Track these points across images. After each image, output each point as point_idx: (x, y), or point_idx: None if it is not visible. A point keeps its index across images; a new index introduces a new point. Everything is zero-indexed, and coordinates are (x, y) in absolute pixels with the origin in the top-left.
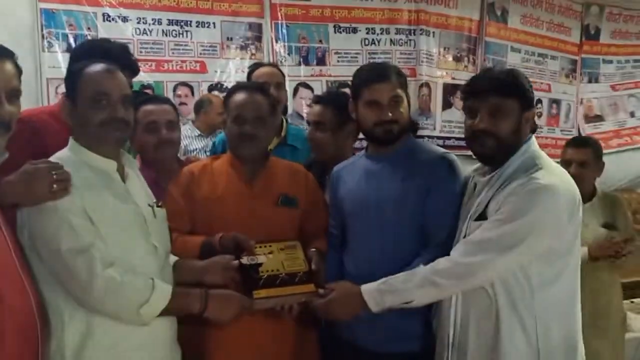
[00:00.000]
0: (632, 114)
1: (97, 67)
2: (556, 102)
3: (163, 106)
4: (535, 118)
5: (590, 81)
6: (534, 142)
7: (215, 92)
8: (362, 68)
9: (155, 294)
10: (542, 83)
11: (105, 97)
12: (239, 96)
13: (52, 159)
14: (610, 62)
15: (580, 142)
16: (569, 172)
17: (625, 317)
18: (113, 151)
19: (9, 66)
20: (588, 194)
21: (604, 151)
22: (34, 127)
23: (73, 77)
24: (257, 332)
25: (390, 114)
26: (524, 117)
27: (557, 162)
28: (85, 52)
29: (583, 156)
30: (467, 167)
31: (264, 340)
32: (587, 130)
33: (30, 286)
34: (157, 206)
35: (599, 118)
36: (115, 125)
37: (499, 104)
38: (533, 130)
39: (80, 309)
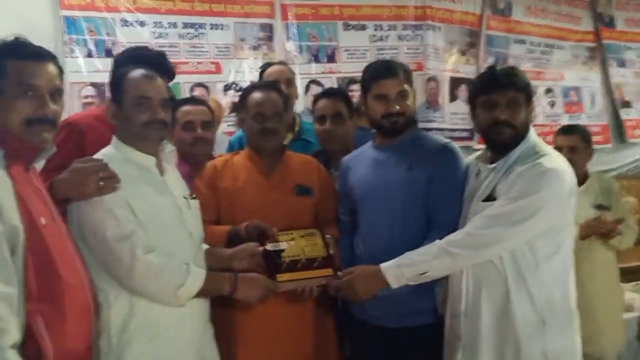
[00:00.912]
0: None
1: (140, 73)
2: (575, 89)
3: (199, 107)
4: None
5: (619, 66)
6: (533, 132)
7: (231, 92)
8: (371, 64)
9: (190, 277)
10: (550, 72)
11: (147, 100)
12: (256, 95)
13: (97, 155)
14: (630, 48)
15: (568, 129)
16: None
17: (622, 296)
18: (153, 148)
19: (51, 67)
20: (580, 178)
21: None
22: (81, 130)
23: (118, 82)
24: (278, 317)
25: (397, 107)
26: (529, 109)
27: None
28: (127, 59)
29: (571, 142)
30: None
31: (285, 323)
32: (623, 115)
33: (83, 269)
34: (192, 198)
35: (627, 104)
36: (156, 126)
37: (516, 97)
38: (531, 121)
39: (124, 291)
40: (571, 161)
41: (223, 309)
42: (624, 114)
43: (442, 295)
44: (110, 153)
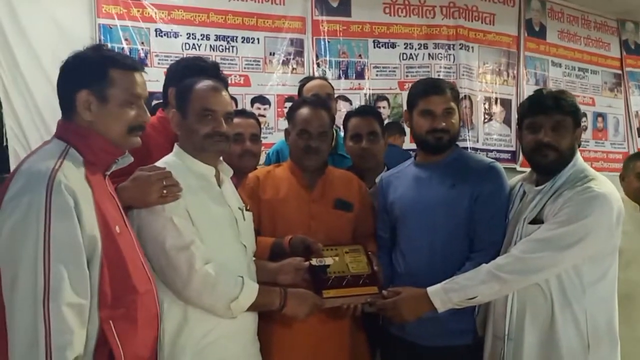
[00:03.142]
0: None
1: (206, 85)
2: (602, 115)
3: (249, 120)
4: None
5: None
6: (580, 156)
7: (257, 105)
8: (419, 81)
9: (245, 290)
10: (584, 97)
11: (212, 113)
12: (304, 111)
13: (159, 163)
14: None
15: None
16: (637, 184)
17: None
18: (213, 159)
19: (139, 78)
20: None
21: None
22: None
23: (184, 92)
24: (314, 332)
25: (443, 124)
26: (576, 133)
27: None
28: (182, 69)
29: None
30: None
31: (321, 338)
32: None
33: (151, 275)
34: (246, 209)
35: None
36: (218, 139)
37: (562, 120)
38: (578, 145)
39: (178, 300)
40: None
41: (260, 321)
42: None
43: (482, 317)
44: (172, 161)
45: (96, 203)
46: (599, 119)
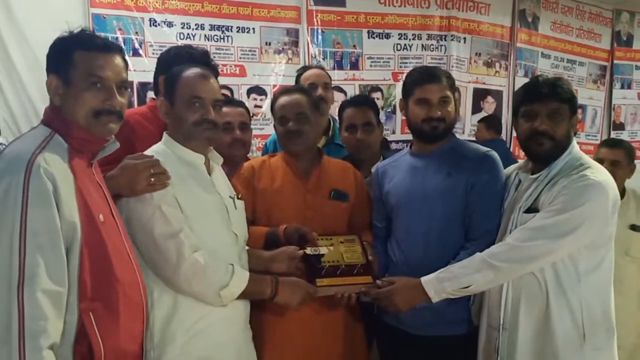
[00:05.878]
0: None
1: (194, 72)
2: (581, 107)
3: (238, 109)
4: None
5: (622, 87)
6: (575, 144)
7: (254, 95)
8: (415, 69)
9: (234, 278)
10: None
11: (199, 100)
12: (280, 100)
13: (148, 152)
14: None
15: (613, 142)
16: None
17: None
18: (202, 147)
19: (118, 59)
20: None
21: None
22: (131, 126)
23: (171, 80)
24: (308, 322)
25: (438, 112)
26: (572, 121)
27: None
28: (172, 57)
29: (615, 156)
30: None
31: (315, 328)
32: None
33: (137, 266)
34: (238, 198)
35: (620, 126)
36: (206, 126)
37: (558, 108)
38: (574, 134)
39: (168, 288)
40: (611, 175)
41: (253, 310)
42: (615, 135)
43: (477, 306)
44: (161, 149)
45: (78, 190)
46: (579, 110)
